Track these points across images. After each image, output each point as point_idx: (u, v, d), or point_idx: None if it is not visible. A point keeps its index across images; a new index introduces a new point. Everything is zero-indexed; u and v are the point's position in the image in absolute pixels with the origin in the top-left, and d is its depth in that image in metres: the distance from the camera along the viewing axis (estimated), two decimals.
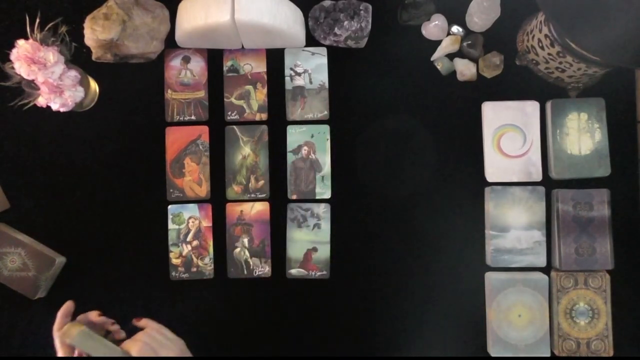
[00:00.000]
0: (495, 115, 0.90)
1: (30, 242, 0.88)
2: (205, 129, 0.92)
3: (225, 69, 0.92)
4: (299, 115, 0.92)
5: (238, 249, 0.91)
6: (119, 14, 0.86)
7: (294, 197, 0.91)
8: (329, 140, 0.92)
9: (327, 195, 0.91)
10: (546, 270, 0.89)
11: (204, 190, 0.91)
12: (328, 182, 0.91)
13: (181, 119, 0.92)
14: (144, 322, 0.77)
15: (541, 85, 0.91)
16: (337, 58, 0.92)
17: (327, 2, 0.91)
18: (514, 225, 0.89)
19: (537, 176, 0.90)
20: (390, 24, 0.92)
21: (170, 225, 0.91)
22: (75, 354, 0.74)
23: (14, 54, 0.79)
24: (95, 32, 0.86)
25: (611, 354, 0.87)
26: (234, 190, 0.91)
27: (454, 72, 0.92)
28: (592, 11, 0.70)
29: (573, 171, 0.89)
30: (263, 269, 0.91)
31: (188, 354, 0.76)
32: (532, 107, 0.90)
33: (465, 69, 0.91)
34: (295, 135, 0.92)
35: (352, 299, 0.91)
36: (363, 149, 0.92)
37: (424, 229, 0.91)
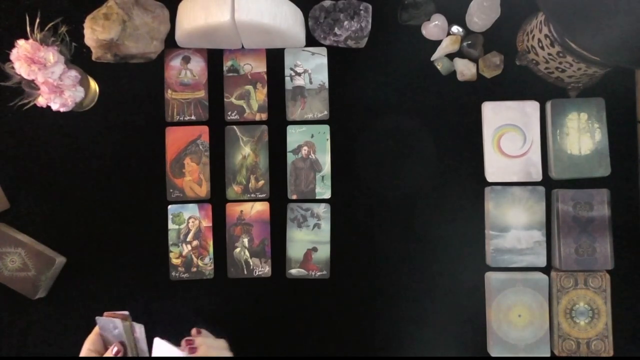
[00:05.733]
0: (495, 115, 0.90)
1: (30, 242, 0.88)
2: (205, 129, 0.92)
3: (225, 69, 0.92)
4: (299, 115, 0.92)
5: (238, 249, 0.91)
6: (119, 14, 0.86)
7: (294, 197, 0.91)
8: (329, 140, 0.92)
9: (327, 195, 0.91)
10: (546, 270, 0.89)
11: (204, 190, 0.91)
12: (328, 182, 0.91)
13: (181, 119, 0.92)
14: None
15: (541, 85, 0.91)
16: (337, 58, 0.92)
17: (327, 2, 0.91)
18: (514, 225, 0.89)
19: (537, 176, 0.90)
20: (390, 24, 0.92)
21: (170, 225, 0.91)
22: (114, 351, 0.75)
23: (14, 54, 0.78)
24: (95, 32, 0.86)
25: (611, 354, 0.87)
26: (234, 190, 0.91)
27: (454, 72, 0.92)
28: (592, 11, 0.70)
29: (573, 171, 0.89)
30: (263, 269, 0.91)
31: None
32: (532, 107, 0.90)
33: (465, 69, 0.91)
34: (295, 135, 0.92)
35: (352, 299, 0.91)
36: (363, 149, 0.92)
37: (424, 229, 0.91)
